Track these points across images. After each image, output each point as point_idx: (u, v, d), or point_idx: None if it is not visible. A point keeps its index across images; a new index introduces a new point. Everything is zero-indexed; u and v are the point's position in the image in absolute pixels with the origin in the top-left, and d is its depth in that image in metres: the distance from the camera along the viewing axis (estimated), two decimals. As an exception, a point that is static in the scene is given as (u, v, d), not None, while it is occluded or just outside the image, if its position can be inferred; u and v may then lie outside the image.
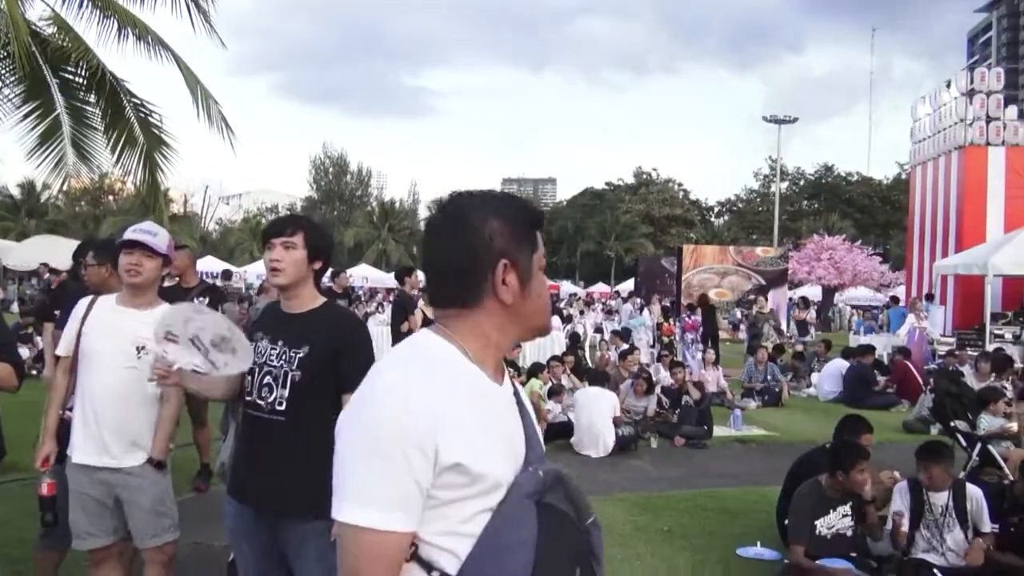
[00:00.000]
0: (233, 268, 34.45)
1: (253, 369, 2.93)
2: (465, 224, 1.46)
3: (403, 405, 1.32)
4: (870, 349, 14.25)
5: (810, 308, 24.30)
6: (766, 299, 22.58)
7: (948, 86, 22.77)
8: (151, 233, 3.42)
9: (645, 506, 6.58)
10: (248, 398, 2.95)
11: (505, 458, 1.40)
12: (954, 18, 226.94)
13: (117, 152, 8.53)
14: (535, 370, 10.45)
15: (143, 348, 3.24)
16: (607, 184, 77.58)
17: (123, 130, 8.44)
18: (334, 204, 72.09)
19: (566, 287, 50.54)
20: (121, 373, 3.30)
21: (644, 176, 75.27)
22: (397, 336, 10.03)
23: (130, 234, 3.39)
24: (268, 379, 2.89)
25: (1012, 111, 21.83)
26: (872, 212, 67.60)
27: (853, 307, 38.25)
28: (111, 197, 55.36)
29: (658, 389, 10.78)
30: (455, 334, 1.46)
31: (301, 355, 2.87)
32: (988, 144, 21.16)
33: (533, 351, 15.52)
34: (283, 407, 2.86)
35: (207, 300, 6.39)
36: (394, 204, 68.87)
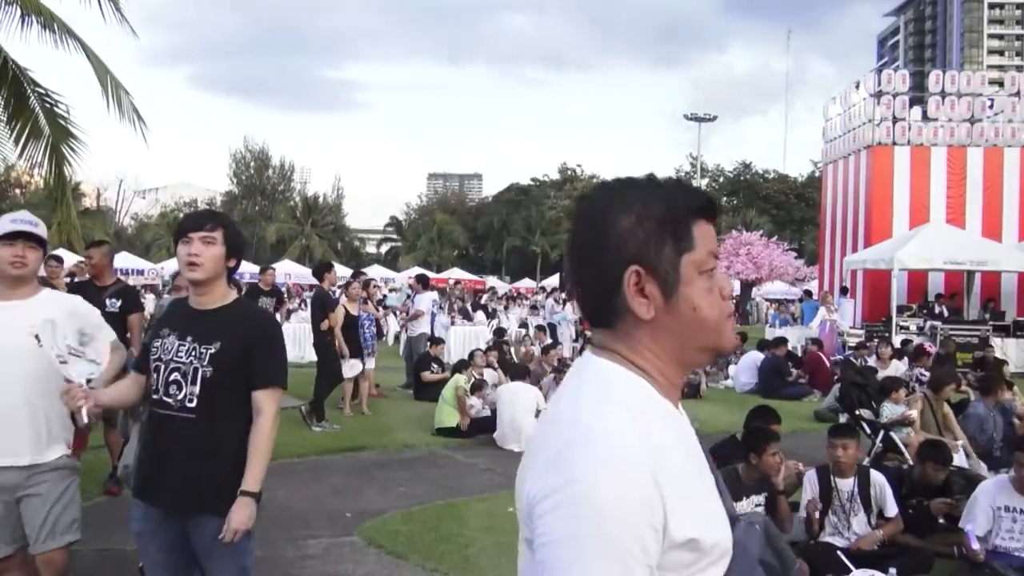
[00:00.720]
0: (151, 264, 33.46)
1: (158, 366, 2.88)
2: (591, 226, 1.23)
3: (624, 471, 1.06)
4: (783, 341, 14.74)
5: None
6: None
7: (857, 87, 23.65)
8: (32, 223, 3.31)
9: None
10: (154, 396, 2.90)
11: (724, 517, 1.17)
12: (864, 22, 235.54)
13: (21, 144, 8.19)
14: (459, 366, 10.47)
15: (38, 337, 3.10)
16: (532, 180, 78.02)
17: (27, 121, 8.11)
18: (255, 199, 70.61)
19: (492, 282, 50.68)
20: (28, 365, 3.16)
21: (569, 172, 75.95)
22: (318, 334, 9.91)
23: (13, 225, 3.27)
24: (176, 376, 2.85)
25: (917, 112, 22.81)
26: (788, 209, 69.73)
27: (769, 301, 39.39)
28: (18, 191, 53.00)
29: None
30: (627, 360, 1.21)
31: (212, 351, 2.84)
32: (894, 144, 22.07)
33: (458, 347, 15.57)
34: (193, 404, 2.83)
35: (120, 302, 6.18)
36: (317, 199, 67.85)
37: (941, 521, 5.40)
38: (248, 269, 24.13)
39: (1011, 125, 21.99)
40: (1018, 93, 22.36)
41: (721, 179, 75.92)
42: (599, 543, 1.04)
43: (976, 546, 4.55)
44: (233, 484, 2.81)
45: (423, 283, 14.03)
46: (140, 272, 32.98)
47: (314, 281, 13.67)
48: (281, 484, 6.88)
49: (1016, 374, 14.53)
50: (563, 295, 27.62)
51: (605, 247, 1.20)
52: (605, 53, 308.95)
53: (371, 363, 11.09)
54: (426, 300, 13.64)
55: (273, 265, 22.29)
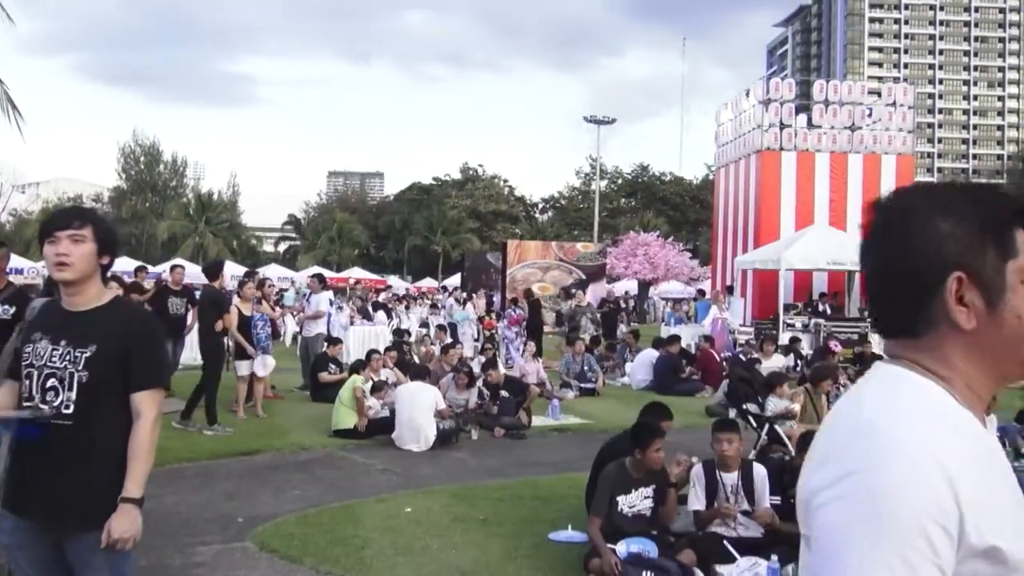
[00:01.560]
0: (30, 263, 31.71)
1: (31, 372, 2.75)
2: (903, 228, 1.14)
3: (911, 464, 1.02)
4: (676, 339, 15.16)
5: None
6: (584, 293, 23.52)
7: (747, 94, 24.56)
8: None
9: (463, 497, 6.71)
10: (27, 404, 2.76)
11: None
12: (756, 31, 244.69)
13: None
14: (357, 367, 10.35)
15: None
16: (434, 179, 77.89)
17: None
18: (146, 195, 67.92)
19: (393, 282, 50.25)
20: None
21: (471, 172, 76.16)
22: (207, 335, 9.60)
23: None
24: (52, 382, 2.72)
25: (803, 119, 23.87)
26: (683, 210, 71.84)
27: (666, 300, 40.44)
28: None
29: (480, 382, 10.97)
30: (927, 370, 1.14)
31: (88, 355, 2.72)
32: (782, 149, 23.02)
33: (357, 348, 15.36)
34: (70, 410, 2.71)
35: (13, 309, 5.79)
36: (212, 196, 65.75)
37: (819, 509, 5.66)
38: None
39: (888, 133, 23.28)
40: (894, 103, 23.69)
41: (620, 181, 77.55)
42: (878, 532, 0.99)
43: None
44: (114, 493, 2.70)
45: (320, 282, 13.78)
46: (20, 271, 31.21)
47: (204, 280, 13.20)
48: (168, 490, 6.65)
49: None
50: (464, 295, 27.69)
51: (922, 251, 1.12)
52: (508, 54, 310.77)
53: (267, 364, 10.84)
54: (323, 300, 13.42)
55: (178, 262, 21.46)
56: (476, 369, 11.23)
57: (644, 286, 45.24)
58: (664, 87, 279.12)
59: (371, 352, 11.01)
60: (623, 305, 32.67)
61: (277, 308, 20.07)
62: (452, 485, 7.20)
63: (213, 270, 10.76)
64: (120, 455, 2.74)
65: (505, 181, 76.67)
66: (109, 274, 3.16)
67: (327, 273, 34.81)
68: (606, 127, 49.41)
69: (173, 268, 12.38)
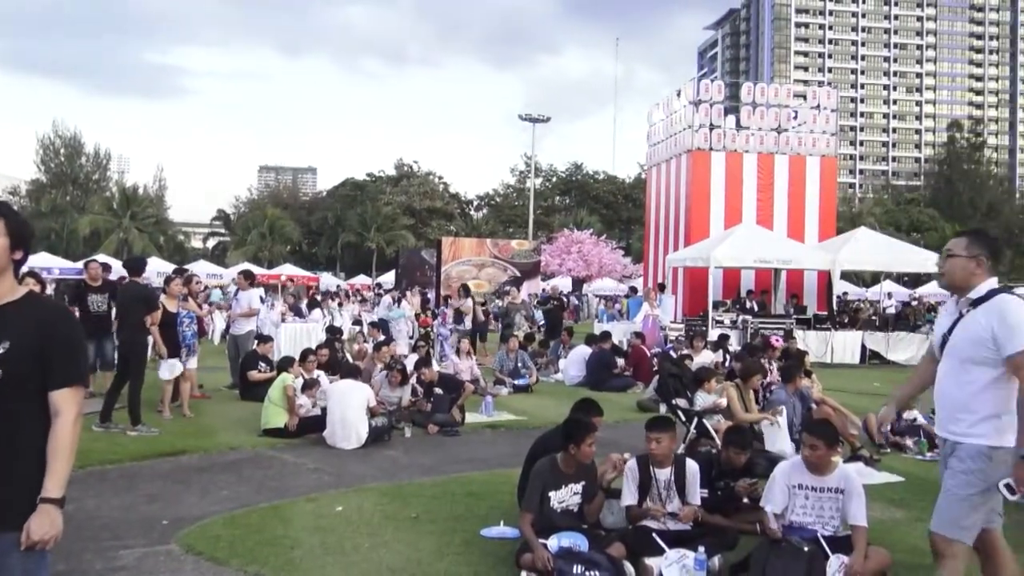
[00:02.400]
0: None
1: None
2: None
3: None
4: (607, 336, 15.33)
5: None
6: (518, 290, 23.63)
7: (679, 95, 24.99)
8: None
9: (394, 495, 6.66)
10: None
11: None
12: (687, 33, 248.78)
13: None
14: (284, 364, 10.17)
15: None
16: (368, 175, 77.17)
17: None
18: (66, 188, 65.58)
19: (327, 279, 49.57)
20: None
21: (405, 168, 75.68)
22: (133, 333, 9.32)
23: None
24: None
25: (731, 120, 24.40)
26: (616, 208, 72.70)
27: (599, 297, 40.90)
28: None
29: (414, 380, 10.91)
30: None
31: (1, 352, 2.62)
32: (711, 149, 23.50)
33: (288, 345, 15.12)
34: None
35: None
36: (137, 190, 63.85)
37: (745, 501, 5.80)
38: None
39: (812, 135, 23.97)
40: (818, 106, 24.40)
41: (554, 179, 78.04)
42: None
43: (774, 525, 4.92)
44: (33, 493, 2.61)
45: (248, 279, 13.50)
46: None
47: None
48: (89, 493, 6.45)
49: (816, 363, 15.88)
50: (398, 292, 27.49)
51: None
52: (445, 50, 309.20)
53: (192, 363, 10.60)
54: (254, 297, 13.16)
55: (96, 258, 20.78)
56: (410, 367, 11.17)
57: (578, 283, 45.64)
58: (598, 86, 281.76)
59: (306, 351, 10.85)
60: (567, 302, 32.89)
61: (204, 305, 19.63)
62: (384, 483, 7.14)
63: (136, 265, 10.46)
64: (40, 454, 2.65)
65: (440, 178, 76.49)
66: (26, 269, 3.04)
67: (257, 270, 34.18)
68: (541, 125, 49.66)
69: (87, 264, 12.21)
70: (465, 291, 18.54)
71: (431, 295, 28.75)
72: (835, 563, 4.67)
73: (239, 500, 6.51)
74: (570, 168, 78.36)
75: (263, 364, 11.74)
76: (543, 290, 31.55)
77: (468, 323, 17.61)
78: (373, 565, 5.01)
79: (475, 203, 79.67)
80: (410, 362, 12.15)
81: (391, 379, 10.20)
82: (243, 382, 11.74)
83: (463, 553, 5.25)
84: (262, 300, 14.51)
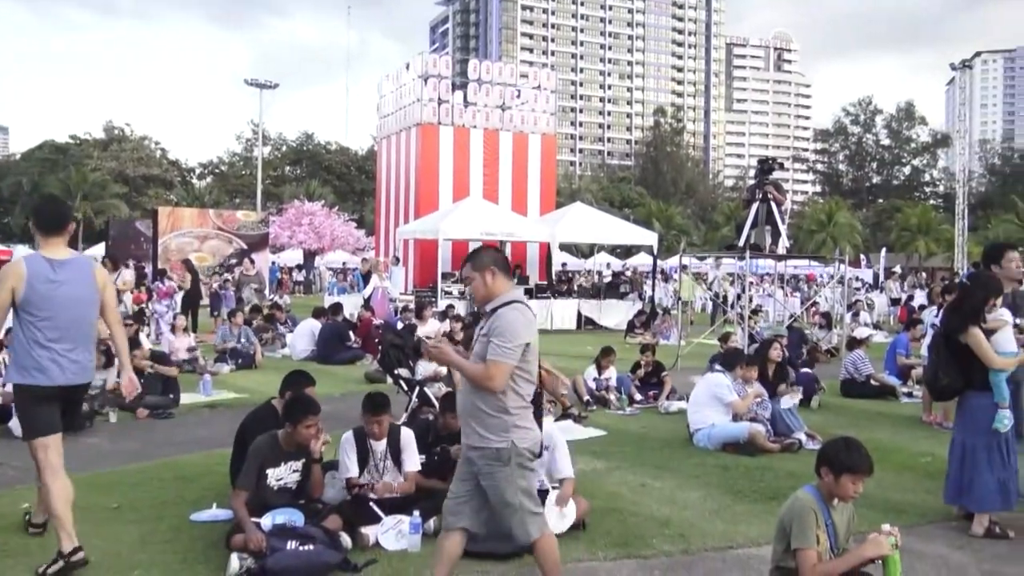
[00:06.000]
0: None
1: None
2: None
3: None
4: (339, 308, 15.18)
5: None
6: (252, 262, 22.65)
7: (408, 68, 25.12)
8: None
9: (94, 485, 6.13)
10: None
11: None
12: (421, 7, 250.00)
13: None
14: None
15: None
16: (72, 138, 69.52)
17: None
18: None
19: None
20: None
21: (116, 131, 69.29)
22: None
23: None
24: None
25: (459, 96, 24.98)
26: (350, 180, 71.79)
27: (332, 270, 40.29)
28: None
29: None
30: None
31: None
32: (440, 123, 23.93)
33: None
34: None
35: None
36: None
37: (461, 463, 6.03)
38: None
39: (534, 114, 25.22)
40: (539, 87, 25.68)
41: (284, 148, 75.39)
42: None
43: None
44: None
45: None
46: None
47: None
48: None
49: (537, 330, 16.83)
50: (109, 265, 25.21)
51: None
52: (161, 3, 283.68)
53: None
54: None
55: None
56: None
57: (309, 256, 44.62)
58: (331, 55, 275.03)
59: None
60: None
61: None
62: (82, 474, 6.50)
63: None
64: None
65: (157, 143, 70.98)
66: None
67: (-70, 242, 29.68)
68: (270, 92, 47.72)
69: None
70: (187, 265, 17.48)
71: (148, 269, 26.68)
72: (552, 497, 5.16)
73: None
74: (301, 137, 76.09)
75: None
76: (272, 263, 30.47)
77: (178, 301, 16.67)
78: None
79: (198, 171, 74.91)
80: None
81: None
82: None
83: (171, 540, 4.98)
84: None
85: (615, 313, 21.40)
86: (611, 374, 10.17)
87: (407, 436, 5.60)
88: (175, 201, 58.45)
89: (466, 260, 4.08)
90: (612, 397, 9.90)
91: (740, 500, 6.05)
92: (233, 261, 24.86)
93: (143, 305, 18.76)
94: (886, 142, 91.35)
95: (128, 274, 22.55)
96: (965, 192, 45.96)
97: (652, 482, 6.52)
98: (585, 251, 43.88)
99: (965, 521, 5.43)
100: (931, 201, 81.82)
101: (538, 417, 5.53)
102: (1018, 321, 6.09)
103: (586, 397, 9.84)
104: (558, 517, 5.12)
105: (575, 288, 23.32)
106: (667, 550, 4.95)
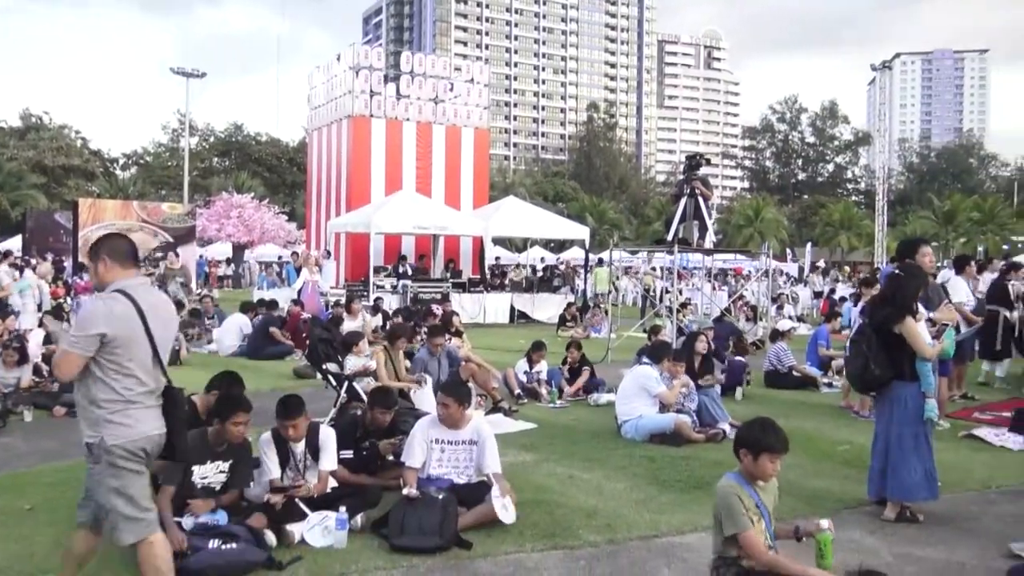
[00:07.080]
0: None
1: None
2: None
3: None
4: (273, 304, 14.95)
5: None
6: (177, 255, 22.06)
7: (339, 60, 24.77)
8: None
9: (7, 487, 5.93)
10: None
11: None
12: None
13: None
14: None
15: None
16: (-16, 125, 66.53)
17: None
18: None
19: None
20: None
21: (34, 120, 66.49)
22: None
23: None
24: None
25: (392, 88, 24.75)
26: (280, 172, 70.44)
27: (261, 264, 39.55)
28: None
29: (40, 358, 9.74)
30: None
31: None
32: (372, 116, 23.68)
33: None
34: None
35: None
36: None
37: (390, 458, 5.99)
38: None
39: (467, 108, 25.14)
40: (472, 80, 25.60)
41: (212, 139, 73.58)
42: None
43: (412, 490, 5.14)
44: None
45: None
46: None
47: None
48: None
49: (470, 324, 16.85)
50: (21, 260, 24.27)
51: None
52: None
53: None
54: None
55: None
56: (35, 343, 9.95)
57: (238, 249, 43.72)
58: (262, 45, 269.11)
59: None
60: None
61: None
62: (-6, 475, 6.32)
63: None
64: None
65: (77, 132, 68.31)
66: None
67: None
68: (197, 81, 46.26)
69: None
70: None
71: (67, 263, 25.78)
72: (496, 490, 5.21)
73: None
74: (230, 128, 74.29)
75: None
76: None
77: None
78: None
79: (121, 162, 72.50)
80: (36, 337, 10.87)
81: (6, 359, 9.00)
82: None
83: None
84: None
85: (548, 307, 21.53)
86: (542, 368, 10.25)
87: (325, 434, 5.52)
88: (97, 193, 56.54)
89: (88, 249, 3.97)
90: (543, 391, 9.98)
91: (665, 490, 6.17)
92: (159, 255, 24.18)
93: (61, 300, 18.14)
94: (811, 140, 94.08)
95: (45, 267, 21.82)
96: (885, 189, 47.53)
97: (580, 474, 6.60)
98: (519, 245, 43.99)
99: (878, 507, 5.64)
100: (853, 197, 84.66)
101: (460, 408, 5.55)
102: (930, 314, 6.33)
103: (517, 391, 9.91)
104: (502, 509, 5.15)
105: (508, 282, 23.35)
106: (593, 540, 5.02)
